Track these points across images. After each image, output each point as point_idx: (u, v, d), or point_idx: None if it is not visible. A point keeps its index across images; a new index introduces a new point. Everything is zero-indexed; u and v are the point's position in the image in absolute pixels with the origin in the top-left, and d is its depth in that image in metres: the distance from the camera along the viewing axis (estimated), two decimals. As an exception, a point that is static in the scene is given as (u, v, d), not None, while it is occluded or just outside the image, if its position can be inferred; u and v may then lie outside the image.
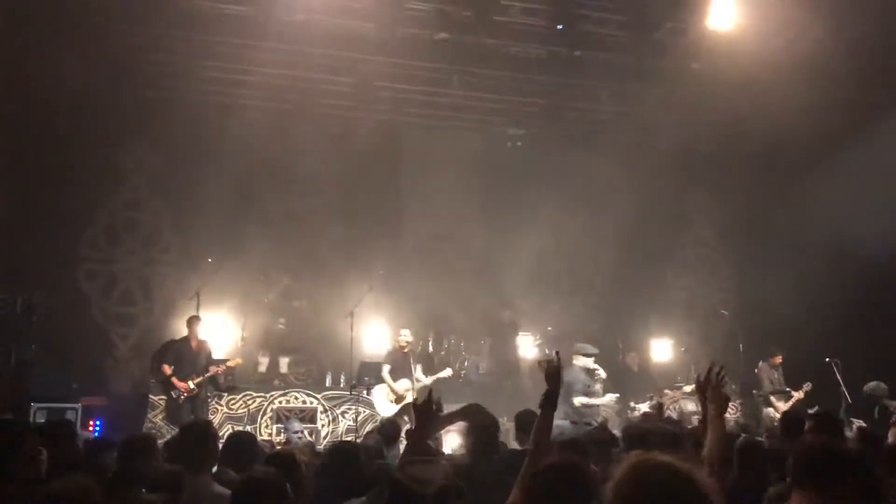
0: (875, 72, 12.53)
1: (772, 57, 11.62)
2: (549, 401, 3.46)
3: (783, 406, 10.68)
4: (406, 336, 10.45)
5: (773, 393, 11.04)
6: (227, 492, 3.63)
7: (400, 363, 10.31)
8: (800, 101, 12.76)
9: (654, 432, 5.08)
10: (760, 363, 11.46)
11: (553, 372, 3.55)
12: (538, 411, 3.50)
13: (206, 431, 4.31)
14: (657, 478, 1.96)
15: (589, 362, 9.35)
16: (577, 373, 9.23)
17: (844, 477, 2.73)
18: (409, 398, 10.05)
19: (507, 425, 7.27)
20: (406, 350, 10.42)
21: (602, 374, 9.48)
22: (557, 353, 3.82)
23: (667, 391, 11.28)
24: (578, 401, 9.02)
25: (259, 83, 12.23)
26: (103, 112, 11.60)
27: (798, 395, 10.87)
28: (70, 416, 8.89)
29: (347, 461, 4.37)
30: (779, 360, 11.43)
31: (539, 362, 3.71)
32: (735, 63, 11.66)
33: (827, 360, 10.95)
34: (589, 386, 9.19)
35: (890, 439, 5.59)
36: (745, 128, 12.79)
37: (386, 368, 10.27)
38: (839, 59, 11.90)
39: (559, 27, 11.17)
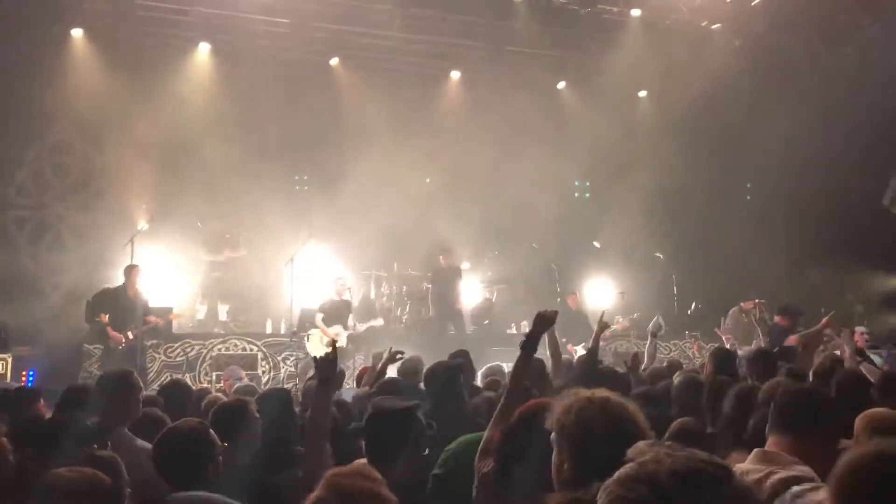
0: (814, 19, 12.72)
1: (712, 3, 11.69)
2: (528, 344, 3.32)
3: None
4: (344, 281, 10.44)
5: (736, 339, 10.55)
6: (149, 445, 3.49)
7: (335, 310, 10.32)
8: (739, 48, 12.94)
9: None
10: (732, 310, 11.04)
11: (546, 317, 3.44)
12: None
13: (120, 382, 4.06)
14: (595, 414, 2.01)
15: None
16: None
17: (824, 424, 2.71)
18: (342, 343, 10.07)
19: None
20: (343, 296, 10.42)
21: None
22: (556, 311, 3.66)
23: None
24: None
25: (192, 23, 11.82)
26: (28, 51, 11.06)
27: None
28: (-1, 366, 8.71)
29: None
30: (749, 305, 10.95)
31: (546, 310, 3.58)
32: (675, 8, 11.70)
33: (757, 301, 11.35)
34: None
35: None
36: (684, 74, 12.89)
37: (319, 316, 10.30)
38: (778, 5, 12.04)
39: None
